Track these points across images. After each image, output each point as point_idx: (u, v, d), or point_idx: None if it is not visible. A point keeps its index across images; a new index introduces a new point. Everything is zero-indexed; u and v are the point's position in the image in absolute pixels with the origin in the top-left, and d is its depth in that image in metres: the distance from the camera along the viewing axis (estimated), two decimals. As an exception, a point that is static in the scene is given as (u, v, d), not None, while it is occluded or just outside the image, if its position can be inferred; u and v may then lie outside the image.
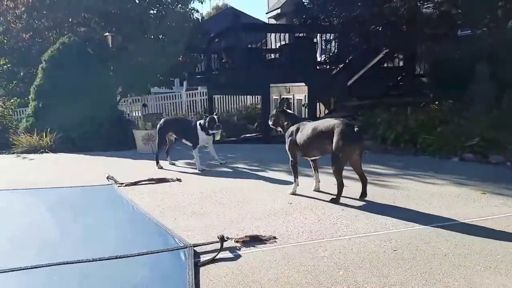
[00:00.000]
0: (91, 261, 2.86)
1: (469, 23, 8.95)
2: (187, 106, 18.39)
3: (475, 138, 6.49)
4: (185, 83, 17.38)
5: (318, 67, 12.75)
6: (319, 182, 4.73)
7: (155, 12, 12.32)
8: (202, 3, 13.45)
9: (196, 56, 13.82)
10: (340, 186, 4.22)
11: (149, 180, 5.37)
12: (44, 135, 8.44)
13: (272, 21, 18.89)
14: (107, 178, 5.49)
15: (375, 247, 3.06)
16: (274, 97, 16.23)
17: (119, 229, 3.68)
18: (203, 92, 18.05)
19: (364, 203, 4.23)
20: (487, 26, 8.47)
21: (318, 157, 4.59)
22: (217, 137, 6.31)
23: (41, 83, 9.28)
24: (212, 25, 16.08)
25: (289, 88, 15.81)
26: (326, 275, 2.64)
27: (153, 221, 3.75)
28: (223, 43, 13.11)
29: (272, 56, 13.32)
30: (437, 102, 9.10)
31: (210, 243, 3.15)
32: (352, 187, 4.52)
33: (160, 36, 12.00)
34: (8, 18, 11.54)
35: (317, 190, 4.70)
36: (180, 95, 18.57)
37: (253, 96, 17.83)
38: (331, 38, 12.35)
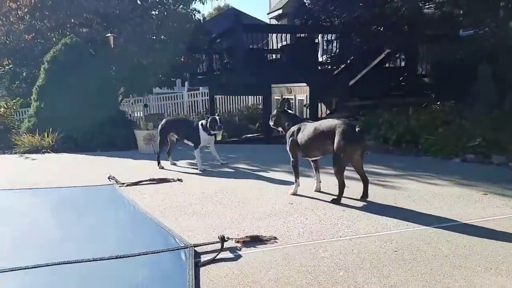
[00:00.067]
0: (92, 261, 2.86)
1: (471, 23, 8.94)
2: (189, 106, 18.40)
3: (477, 138, 6.47)
4: (186, 83, 17.37)
5: (319, 68, 12.76)
6: (320, 182, 4.73)
7: (156, 13, 12.33)
8: (203, 3, 13.41)
9: (197, 57, 13.83)
10: (342, 186, 4.21)
11: (150, 180, 5.38)
12: (46, 135, 8.46)
13: (274, 22, 18.89)
14: (108, 178, 5.50)
15: (376, 248, 3.06)
16: (275, 97, 16.25)
17: (120, 229, 3.68)
18: (204, 92, 18.07)
19: (365, 203, 4.23)
20: (489, 26, 8.46)
21: (319, 158, 4.58)
22: (219, 137, 6.32)
23: (43, 83, 9.31)
24: (214, 26, 16.08)
25: (291, 89, 15.83)
26: (326, 276, 2.64)
27: (154, 221, 3.75)
28: (224, 43, 13.12)
29: (274, 56, 13.33)
30: (439, 103, 9.09)
31: (211, 243, 3.15)
32: (353, 188, 4.52)
33: (162, 37, 12.01)
34: (11, 19, 11.57)
35: (318, 190, 4.69)
36: (182, 95, 18.58)
37: (255, 97, 17.84)
38: (333, 38, 12.34)
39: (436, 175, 5.43)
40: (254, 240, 3.21)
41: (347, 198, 4.32)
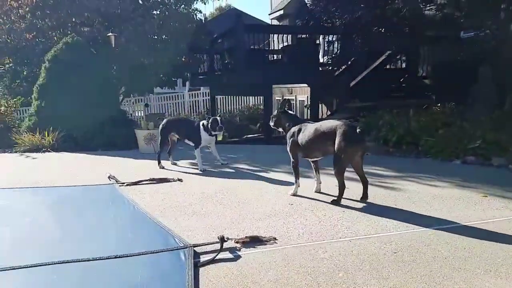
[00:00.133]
0: (91, 260, 2.86)
1: (472, 25, 8.94)
2: (190, 106, 18.41)
3: (477, 140, 6.47)
4: (187, 83, 17.39)
5: (320, 68, 12.76)
6: (320, 183, 4.73)
7: (158, 12, 12.33)
8: (205, 3, 13.44)
9: (199, 57, 13.84)
10: (342, 187, 4.21)
11: (150, 180, 5.38)
12: (46, 134, 8.47)
13: (275, 22, 18.89)
14: (109, 177, 5.50)
15: (375, 249, 3.06)
16: (276, 98, 16.26)
17: (119, 229, 3.69)
18: (205, 92, 18.08)
19: (365, 204, 4.23)
20: (490, 28, 8.46)
21: (319, 158, 4.58)
22: (219, 138, 6.32)
23: (44, 82, 9.32)
24: (215, 26, 16.09)
25: (292, 89, 15.84)
26: (325, 277, 2.64)
27: (154, 221, 3.75)
28: (226, 43, 13.13)
29: (275, 57, 13.33)
30: (439, 104, 9.09)
31: (210, 244, 3.15)
32: (353, 189, 4.52)
33: (163, 37, 12.02)
34: (12, 18, 11.58)
35: (318, 191, 4.69)
36: (183, 95, 18.59)
37: (256, 97, 17.85)
38: (334, 39, 12.35)
39: (436, 177, 5.43)
40: (254, 241, 3.21)
41: (347, 199, 4.32)
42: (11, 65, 12.54)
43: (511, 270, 2.70)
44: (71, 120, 8.55)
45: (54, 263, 2.82)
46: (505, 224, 3.61)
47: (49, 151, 8.24)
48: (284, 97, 14.98)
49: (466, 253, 2.97)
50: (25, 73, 12.33)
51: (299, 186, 4.64)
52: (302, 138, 4.45)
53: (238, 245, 3.14)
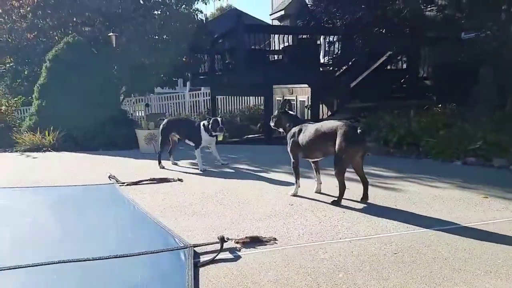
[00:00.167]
0: (91, 260, 2.86)
1: (472, 26, 8.94)
2: (190, 106, 18.41)
3: (478, 141, 6.47)
4: (188, 83, 17.39)
5: (321, 69, 12.76)
6: (321, 184, 4.73)
7: (159, 12, 12.34)
8: (206, 4, 13.44)
9: (199, 57, 13.84)
10: (342, 188, 4.21)
11: (150, 180, 5.38)
12: (47, 133, 8.48)
13: (276, 23, 18.88)
14: (109, 177, 5.51)
15: (376, 250, 3.05)
16: (277, 98, 16.26)
17: (119, 229, 3.69)
18: (206, 92, 18.08)
19: (365, 205, 4.22)
20: (491, 29, 8.46)
21: (320, 159, 4.58)
22: (220, 138, 6.33)
23: (45, 82, 9.33)
24: (216, 26, 16.09)
25: (292, 90, 15.83)
26: (325, 277, 2.64)
27: (154, 221, 3.75)
28: (226, 44, 13.13)
29: (276, 57, 13.33)
30: (440, 105, 9.09)
31: (210, 244, 3.15)
32: (354, 189, 4.52)
33: (164, 37, 12.02)
34: (13, 17, 11.59)
35: (318, 192, 4.69)
36: (183, 95, 18.59)
37: (256, 97, 17.84)
38: (335, 40, 12.35)
39: (436, 178, 5.42)
40: (254, 241, 3.21)
41: (347, 199, 4.32)
42: (12, 64, 12.54)
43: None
44: (72, 119, 8.56)
45: (54, 263, 2.82)
46: (505, 225, 3.60)
47: (49, 151, 8.24)
48: (285, 98, 14.98)
49: (467, 254, 2.97)
50: (26, 73, 12.33)
51: (299, 186, 4.64)
52: (302, 138, 4.45)
53: (238, 246, 3.14)
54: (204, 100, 18.32)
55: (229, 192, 4.83)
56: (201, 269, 2.77)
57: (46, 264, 2.81)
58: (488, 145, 6.40)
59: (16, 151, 8.37)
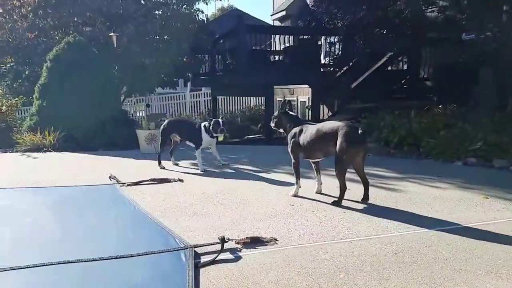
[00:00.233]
0: (92, 260, 2.86)
1: (473, 28, 8.93)
2: (191, 107, 18.41)
3: (479, 142, 6.47)
4: (189, 84, 17.39)
5: (322, 69, 12.77)
6: (321, 184, 4.73)
7: (160, 13, 12.34)
8: (207, 4, 13.44)
9: (200, 57, 13.84)
10: (343, 188, 4.21)
11: (151, 180, 5.38)
12: (47, 134, 8.48)
13: (277, 23, 18.88)
14: (109, 177, 5.51)
15: (376, 250, 3.05)
16: (278, 98, 16.26)
17: (120, 229, 3.69)
18: (207, 93, 18.08)
19: (366, 206, 4.22)
20: (492, 30, 8.46)
21: (320, 159, 4.58)
22: (220, 138, 6.33)
23: (46, 82, 9.32)
24: (217, 27, 16.10)
25: (293, 90, 15.84)
26: (326, 278, 2.64)
27: (154, 221, 3.75)
28: (227, 44, 13.15)
29: (276, 57, 13.34)
30: (441, 106, 9.08)
31: (211, 244, 3.14)
32: (354, 190, 4.52)
33: (165, 37, 12.02)
34: (14, 17, 11.59)
35: (319, 192, 4.69)
36: (184, 95, 18.60)
37: (257, 98, 17.85)
38: (336, 40, 12.36)
39: (437, 178, 5.42)
40: (255, 242, 3.21)
41: (348, 200, 4.32)
42: (12, 64, 12.55)
43: (512, 272, 2.70)
44: (72, 120, 8.56)
45: (55, 263, 2.82)
46: (506, 225, 3.60)
47: (50, 151, 8.24)
48: (285, 98, 14.99)
49: (467, 255, 2.96)
50: (27, 73, 12.33)
51: (300, 187, 4.64)
52: (303, 139, 4.45)
53: (239, 246, 3.14)
54: (205, 100, 18.32)
55: (229, 192, 4.83)
56: (201, 270, 2.77)
57: (47, 265, 2.81)
58: (489, 146, 6.40)
59: (17, 151, 8.37)
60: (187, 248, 3.04)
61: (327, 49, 13.07)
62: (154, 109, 17.40)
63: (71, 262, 2.83)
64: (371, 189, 4.39)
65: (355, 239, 3.29)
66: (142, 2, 12.06)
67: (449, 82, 9.76)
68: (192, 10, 12.92)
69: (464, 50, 9.40)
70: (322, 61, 13.15)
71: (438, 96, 10.53)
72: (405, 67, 12.29)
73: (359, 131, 4.07)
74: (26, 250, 3.15)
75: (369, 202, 4.30)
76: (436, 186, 5.04)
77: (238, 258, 2.95)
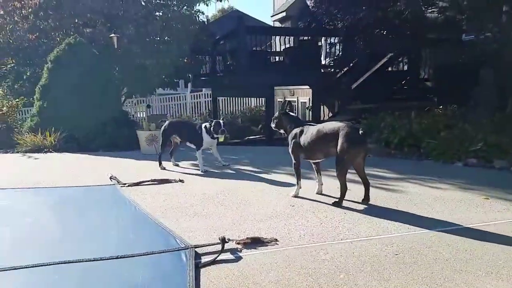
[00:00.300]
0: (92, 260, 2.87)
1: (473, 28, 8.94)
2: (192, 107, 18.42)
3: (479, 143, 6.47)
4: (189, 84, 17.41)
5: (322, 70, 12.76)
6: (322, 185, 4.73)
7: (160, 14, 12.35)
8: (207, 5, 13.47)
9: (201, 58, 13.85)
10: (343, 189, 4.21)
11: (151, 180, 5.39)
12: (48, 134, 8.49)
13: (277, 24, 18.88)
14: (110, 178, 5.51)
15: (377, 251, 3.06)
16: (278, 99, 16.27)
17: (121, 229, 3.69)
18: (207, 94, 18.09)
19: (366, 206, 4.23)
20: (492, 31, 8.46)
21: (321, 160, 4.59)
22: (221, 139, 6.33)
23: (46, 83, 9.33)
24: (218, 28, 16.13)
25: (293, 91, 15.84)
26: (327, 278, 2.64)
27: (155, 221, 3.76)
28: (228, 45, 13.16)
29: (277, 58, 13.34)
30: (441, 107, 9.08)
31: (211, 245, 3.15)
32: (355, 191, 4.52)
33: (166, 38, 12.02)
34: (15, 18, 11.60)
35: (320, 193, 4.69)
36: (185, 96, 18.61)
37: (258, 98, 17.86)
38: (336, 41, 12.36)
39: (438, 179, 5.42)
40: (255, 242, 3.21)
41: (349, 201, 4.32)
42: (13, 65, 12.54)
43: (513, 272, 2.70)
44: (73, 120, 8.57)
45: (56, 264, 2.83)
46: (506, 226, 3.60)
47: (51, 152, 8.25)
48: (286, 99, 14.99)
49: (468, 255, 2.97)
50: (27, 74, 12.32)
51: (300, 187, 4.64)
52: (304, 139, 4.46)
53: (239, 246, 3.14)
54: (205, 101, 18.33)
55: (230, 193, 4.84)
56: (202, 270, 2.77)
57: (48, 265, 2.82)
58: (489, 147, 6.40)
59: (18, 152, 8.38)
60: (187, 249, 3.05)
61: (328, 50, 13.07)
62: (155, 110, 17.41)
63: (72, 262, 2.84)
64: (371, 189, 4.40)
65: (356, 240, 3.29)
66: (143, 3, 12.06)
67: (449, 82, 9.75)
68: (193, 12, 12.93)
69: (464, 51, 9.40)
70: (323, 62, 13.16)
71: (438, 96, 10.52)
72: (405, 68, 12.29)
73: (360, 132, 4.08)
74: (26, 250, 3.16)
75: (369, 202, 4.30)
76: (436, 187, 5.04)
77: (238, 259, 2.96)
